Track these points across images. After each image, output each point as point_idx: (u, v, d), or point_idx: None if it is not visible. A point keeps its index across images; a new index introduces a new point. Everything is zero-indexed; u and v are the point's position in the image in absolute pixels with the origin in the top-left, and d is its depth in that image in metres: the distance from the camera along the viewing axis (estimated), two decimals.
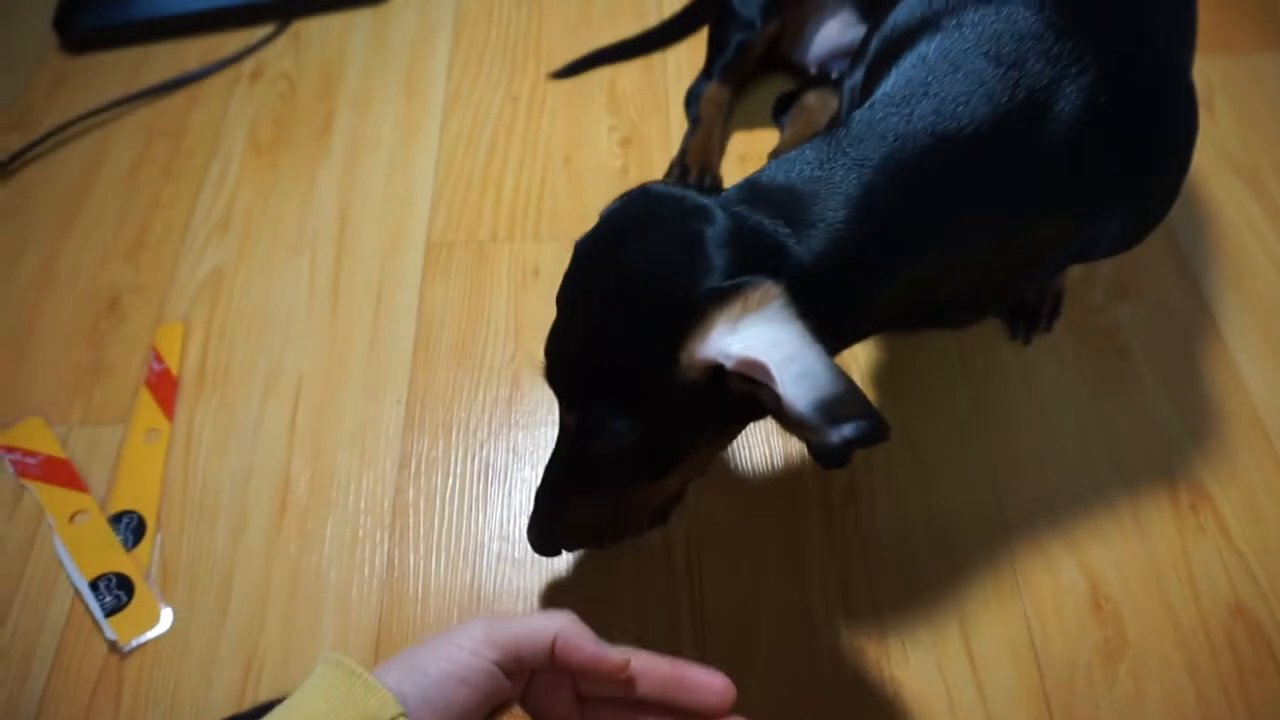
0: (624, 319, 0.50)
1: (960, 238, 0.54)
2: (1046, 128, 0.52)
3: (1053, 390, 0.80)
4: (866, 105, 0.55)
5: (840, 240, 0.50)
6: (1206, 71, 1.02)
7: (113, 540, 0.73)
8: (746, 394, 0.47)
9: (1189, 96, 0.60)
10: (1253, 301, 0.85)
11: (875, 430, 0.42)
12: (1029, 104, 0.52)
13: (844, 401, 0.43)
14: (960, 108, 0.52)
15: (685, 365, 0.48)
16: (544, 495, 0.59)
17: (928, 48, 0.55)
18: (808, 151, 0.53)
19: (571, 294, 0.55)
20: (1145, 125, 0.57)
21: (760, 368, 0.44)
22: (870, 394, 0.80)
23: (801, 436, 0.45)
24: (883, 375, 0.81)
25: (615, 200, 0.57)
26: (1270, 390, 0.79)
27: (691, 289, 0.48)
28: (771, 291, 0.46)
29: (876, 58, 0.60)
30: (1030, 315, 0.82)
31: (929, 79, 0.53)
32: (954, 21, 0.55)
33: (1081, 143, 0.53)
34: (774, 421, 0.48)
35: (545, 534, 0.59)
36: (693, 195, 0.52)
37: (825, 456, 0.44)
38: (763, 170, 0.54)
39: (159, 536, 0.74)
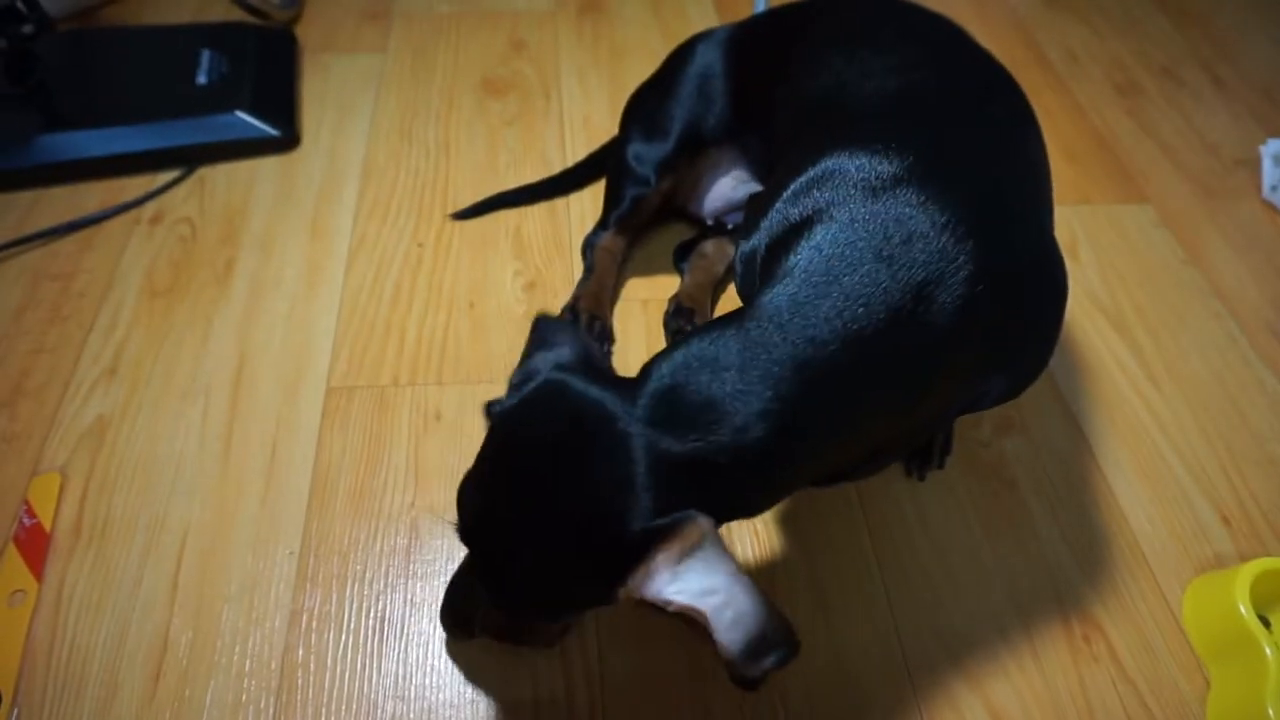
0: (557, 546, 0.53)
1: (866, 420, 0.57)
2: (933, 316, 0.56)
3: (947, 524, 0.82)
4: (773, 296, 0.56)
5: (760, 447, 0.53)
6: (1070, 221, 1.11)
7: None
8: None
9: (1056, 263, 0.65)
10: (1124, 435, 0.90)
11: (790, 655, 0.49)
12: (919, 297, 0.56)
13: (768, 638, 0.48)
14: (861, 309, 0.55)
15: (622, 597, 0.51)
16: (453, 595, 0.66)
17: (824, 237, 0.58)
18: (723, 352, 0.55)
19: (496, 489, 0.56)
20: (1019, 301, 0.62)
21: (700, 614, 0.49)
22: (773, 534, 0.80)
23: (722, 662, 0.49)
24: (784, 514, 0.82)
25: (531, 385, 0.56)
26: (1147, 520, 0.83)
27: (628, 527, 0.51)
28: (704, 528, 0.50)
29: (774, 241, 0.62)
30: (923, 454, 0.85)
31: (829, 277, 0.56)
32: (846, 215, 0.58)
33: (965, 325, 0.57)
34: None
35: (455, 626, 0.68)
36: (614, 407, 0.53)
37: (743, 683, 0.49)
38: (685, 372, 0.54)
39: (15, 712, 0.68)
